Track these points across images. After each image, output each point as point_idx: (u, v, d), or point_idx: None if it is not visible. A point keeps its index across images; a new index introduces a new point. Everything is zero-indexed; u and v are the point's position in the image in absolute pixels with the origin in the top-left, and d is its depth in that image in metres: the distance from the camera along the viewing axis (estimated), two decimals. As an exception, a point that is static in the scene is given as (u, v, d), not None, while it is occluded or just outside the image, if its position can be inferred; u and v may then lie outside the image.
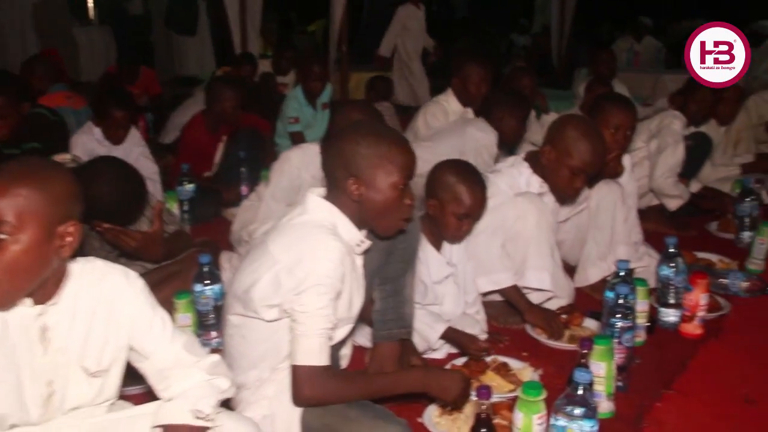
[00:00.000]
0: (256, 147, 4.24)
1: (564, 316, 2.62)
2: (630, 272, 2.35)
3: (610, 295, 2.24)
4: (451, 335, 2.37)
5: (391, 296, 2.13)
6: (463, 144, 3.05)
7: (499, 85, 3.75)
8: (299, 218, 1.82)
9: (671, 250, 2.58)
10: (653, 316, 2.63)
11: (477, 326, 2.50)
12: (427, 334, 2.36)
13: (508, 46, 11.78)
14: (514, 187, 2.63)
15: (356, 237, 1.84)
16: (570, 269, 2.99)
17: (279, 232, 1.83)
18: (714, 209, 3.84)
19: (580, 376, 1.63)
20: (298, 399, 1.72)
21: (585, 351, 1.95)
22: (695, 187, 3.87)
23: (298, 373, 1.70)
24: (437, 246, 2.49)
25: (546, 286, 2.59)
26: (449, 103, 4.04)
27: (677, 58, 7.10)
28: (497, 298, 2.71)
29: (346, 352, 2.16)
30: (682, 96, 3.77)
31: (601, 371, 2.02)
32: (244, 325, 1.85)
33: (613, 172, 2.92)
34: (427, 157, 3.25)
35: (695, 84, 3.59)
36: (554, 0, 9.33)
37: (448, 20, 12.33)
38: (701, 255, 3.30)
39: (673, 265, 2.57)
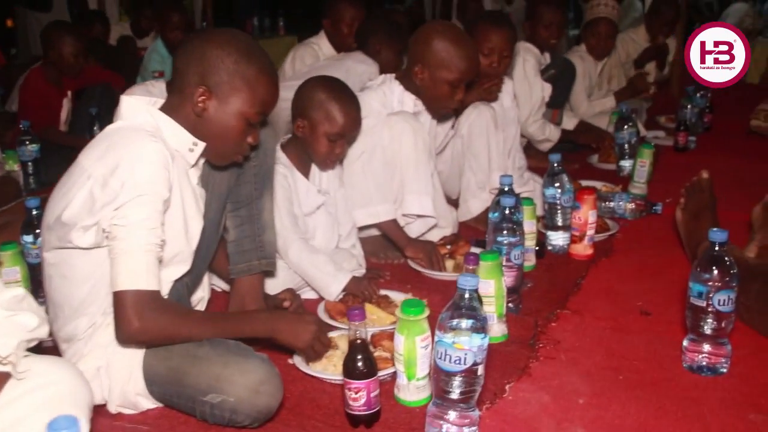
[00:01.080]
0: (109, 103, 3.77)
1: (448, 247, 2.40)
2: (512, 190, 2.14)
3: (494, 214, 2.03)
4: (354, 288, 2.07)
5: (246, 223, 1.82)
6: (345, 79, 2.78)
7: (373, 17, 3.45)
8: (112, 126, 1.49)
9: (555, 166, 2.42)
10: (542, 240, 2.46)
11: (353, 261, 2.24)
12: (326, 285, 2.07)
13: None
14: (387, 106, 2.37)
15: (186, 140, 1.54)
16: (452, 203, 2.78)
17: (91, 144, 1.49)
18: (590, 143, 3.75)
19: (464, 281, 1.38)
20: (123, 333, 1.40)
21: (471, 267, 1.73)
22: (571, 123, 3.77)
23: (121, 301, 1.38)
24: (306, 173, 2.20)
25: (428, 211, 2.35)
26: (320, 46, 3.73)
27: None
28: (375, 232, 2.45)
29: (201, 295, 1.84)
30: (528, 23, 3.60)
31: (490, 289, 1.80)
32: (63, 261, 1.50)
33: (487, 97, 2.72)
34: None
35: (539, 6, 3.50)
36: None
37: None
38: (585, 183, 3.18)
39: (558, 184, 2.41)
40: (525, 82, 3.42)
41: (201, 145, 1.57)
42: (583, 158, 3.72)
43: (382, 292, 2.10)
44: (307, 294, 2.14)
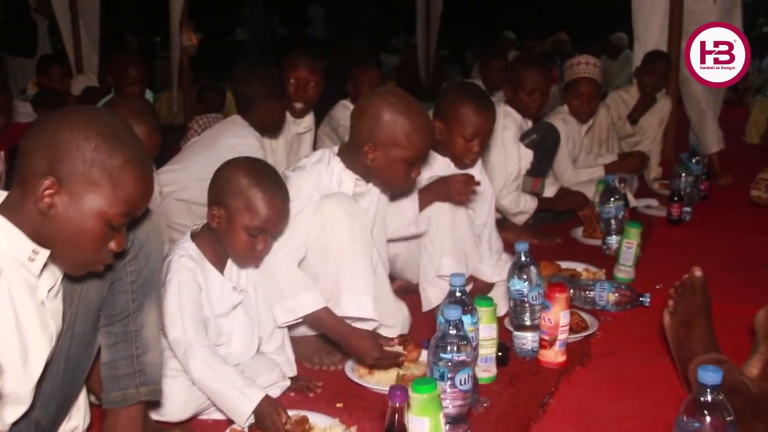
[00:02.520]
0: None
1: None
2: (465, 291, 1.79)
3: (440, 320, 1.67)
4: (259, 417, 1.67)
5: (121, 341, 1.46)
6: (218, 158, 2.43)
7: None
8: None
9: (523, 258, 2.06)
10: (506, 344, 2.10)
11: (275, 370, 1.87)
12: (234, 405, 1.68)
13: (378, 66, 11.55)
14: (322, 188, 2.03)
15: (24, 247, 1.20)
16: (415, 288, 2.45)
17: None
18: (570, 208, 3.41)
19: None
20: None
21: (397, 404, 1.37)
22: (551, 190, 3.44)
23: None
24: (221, 267, 1.85)
25: (367, 312, 1.98)
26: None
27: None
28: (310, 332, 2.09)
29: (75, 424, 1.49)
30: (509, 86, 3.28)
31: (424, 429, 1.43)
32: None
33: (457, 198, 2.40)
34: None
35: (521, 71, 3.19)
36: (419, 20, 9.11)
37: (304, 39, 11.99)
38: (566, 265, 2.83)
39: (526, 277, 2.05)
40: (501, 151, 3.10)
41: (44, 253, 1.23)
42: (566, 231, 3.38)
43: (303, 413, 1.72)
44: (214, 415, 1.77)
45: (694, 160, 3.85)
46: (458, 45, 12.20)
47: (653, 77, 4.11)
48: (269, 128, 3.03)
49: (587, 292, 2.47)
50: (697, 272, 1.89)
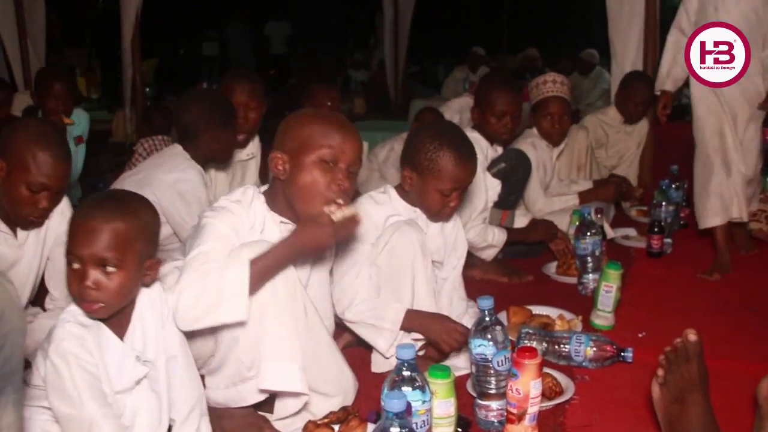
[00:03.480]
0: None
1: (336, 429, 1.70)
2: (414, 366, 1.47)
3: (383, 405, 1.35)
4: None
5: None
6: (156, 197, 2.12)
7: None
8: None
9: (487, 318, 1.75)
10: (466, 418, 1.79)
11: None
12: None
13: (345, 81, 11.33)
14: (241, 232, 1.71)
15: None
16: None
17: None
18: (541, 239, 3.12)
19: None
20: None
21: None
22: (522, 221, 3.15)
23: None
24: (120, 330, 1.52)
25: (293, 386, 1.65)
26: None
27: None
28: (236, 403, 1.76)
29: None
30: (476, 108, 2.97)
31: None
32: None
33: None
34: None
35: (490, 92, 2.90)
36: (386, 35, 8.87)
37: (265, 56, 11.70)
38: (538, 310, 2.53)
39: (490, 337, 1.74)
40: None
41: None
42: (538, 267, 3.09)
43: None
44: None
45: (673, 186, 3.59)
46: (428, 60, 12.04)
47: (637, 106, 3.87)
48: (215, 159, 2.71)
49: (562, 347, 2.16)
50: (692, 336, 1.58)
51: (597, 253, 2.77)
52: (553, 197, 3.43)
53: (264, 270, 1.60)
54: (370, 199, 2.13)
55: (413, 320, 2.04)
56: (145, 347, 1.55)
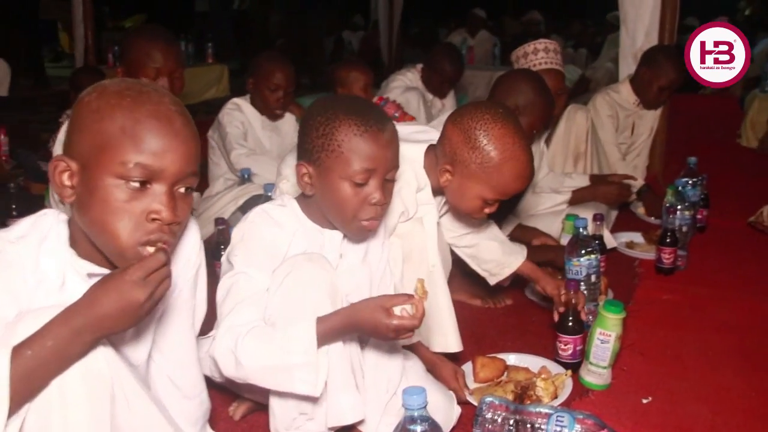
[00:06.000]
0: None
1: None
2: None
3: None
4: None
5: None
6: None
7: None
8: None
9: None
10: None
11: None
12: None
13: (338, 44, 10.63)
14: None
15: None
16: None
17: None
18: (546, 262, 2.47)
19: None
20: None
21: None
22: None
23: None
24: None
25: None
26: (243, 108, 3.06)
27: (514, 55, 6.16)
28: None
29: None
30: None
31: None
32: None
33: None
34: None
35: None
36: (380, -4, 8.15)
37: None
38: (514, 360, 1.94)
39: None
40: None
41: None
42: (519, 287, 2.46)
43: None
44: None
45: (689, 182, 2.96)
46: (429, 21, 11.31)
47: (662, 91, 3.21)
48: None
49: (539, 424, 1.57)
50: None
51: (593, 278, 2.15)
52: (542, 194, 2.81)
53: None
54: (265, 216, 1.48)
55: (332, 327, 1.36)
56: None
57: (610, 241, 2.68)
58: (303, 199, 1.49)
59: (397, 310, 1.30)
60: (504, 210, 2.48)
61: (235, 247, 1.40)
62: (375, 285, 1.58)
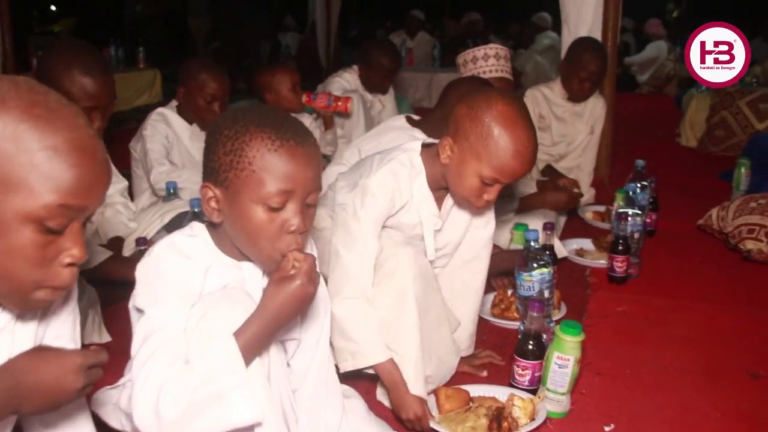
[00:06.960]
0: None
1: None
2: None
3: None
4: None
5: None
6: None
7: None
8: None
9: None
10: None
11: None
12: None
13: (275, 47, 10.38)
14: None
15: None
16: None
17: None
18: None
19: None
20: None
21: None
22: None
23: None
24: None
25: None
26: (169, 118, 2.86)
27: (453, 56, 6.01)
28: None
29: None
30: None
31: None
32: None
33: None
34: None
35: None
36: (318, -3, 7.94)
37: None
38: (477, 390, 1.77)
39: None
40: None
41: None
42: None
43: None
44: None
45: (638, 185, 2.88)
46: (367, 23, 11.18)
47: (583, 83, 3.12)
48: None
49: (494, 466, 1.41)
50: None
51: (547, 293, 2.02)
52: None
53: None
54: (172, 249, 1.26)
55: (252, 333, 1.17)
56: None
57: (561, 250, 2.55)
58: (212, 228, 1.28)
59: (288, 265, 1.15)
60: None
61: (141, 287, 1.18)
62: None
